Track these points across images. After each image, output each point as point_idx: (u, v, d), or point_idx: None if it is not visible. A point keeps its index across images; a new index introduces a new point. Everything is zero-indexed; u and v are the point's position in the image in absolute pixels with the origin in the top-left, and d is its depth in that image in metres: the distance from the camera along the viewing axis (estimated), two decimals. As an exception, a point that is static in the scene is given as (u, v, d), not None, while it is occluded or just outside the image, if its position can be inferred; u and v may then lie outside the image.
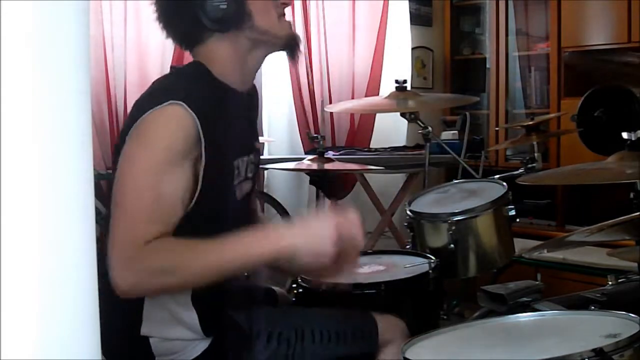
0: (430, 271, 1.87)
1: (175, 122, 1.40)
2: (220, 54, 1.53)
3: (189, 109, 1.40)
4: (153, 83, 1.57)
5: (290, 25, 1.62)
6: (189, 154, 1.42)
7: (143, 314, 1.47)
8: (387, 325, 1.66)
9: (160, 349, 1.48)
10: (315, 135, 2.98)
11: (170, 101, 1.40)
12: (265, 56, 1.61)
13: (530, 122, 2.79)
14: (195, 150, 1.42)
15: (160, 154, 1.40)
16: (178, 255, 1.38)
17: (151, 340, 1.48)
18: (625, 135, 1.85)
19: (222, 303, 1.50)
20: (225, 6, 1.47)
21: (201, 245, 1.39)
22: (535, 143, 2.71)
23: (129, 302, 1.48)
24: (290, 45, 1.61)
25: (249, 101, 1.65)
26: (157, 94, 1.46)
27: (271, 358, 1.54)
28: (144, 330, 1.48)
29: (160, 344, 1.48)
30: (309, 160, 2.75)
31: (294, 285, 1.88)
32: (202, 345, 1.49)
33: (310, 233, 1.44)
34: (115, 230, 1.36)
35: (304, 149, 3.84)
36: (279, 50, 1.61)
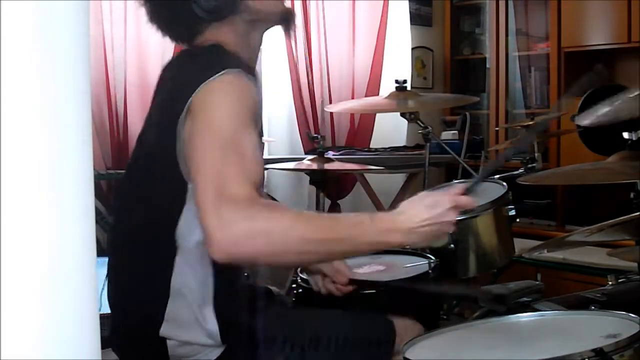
0: (430, 271, 1.87)
1: (241, 86, 1.37)
2: (221, 41, 1.51)
3: (248, 76, 1.38)
4: (188, 60, 1.51)
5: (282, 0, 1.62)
6: (257, 118, 1.39)
7: (165, 314, 1.46)
8: (408, 332, 1.62)
9: (176, 352, 1.48)
10: (315, 135, 2.98)
11: (227, 70, 1.37)
12: (263, 34, 1.59)
13: (530, 122, 2.79)
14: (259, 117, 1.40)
15: (236, 112, 1.34)
16: (279, 221, 1.28)
17: (169, 342, 1.47)
18: (625, 135, 1.85)
19: (242, 312, 1.49)
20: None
21: (308, 218, 1.33)
22: (535, 143, 2.71)
23: (153, 301, 1.47)
24: (286, 19, 1.59)
25: None
26: (207, 67, 1.40)
27: None
28: (163, 331, 1.46)
29: (177, 347, 1.47)
30: (309, 160, 2.75)
31: (294, 286, 1.88)
32: (217, 351, 1.49)
33: (423, 223, 1.34)
34: (206, 193, 1.26)
35: (304, 149, 3.84)
36: (275, 26, 1.60)
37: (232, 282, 1.54)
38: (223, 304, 1.47)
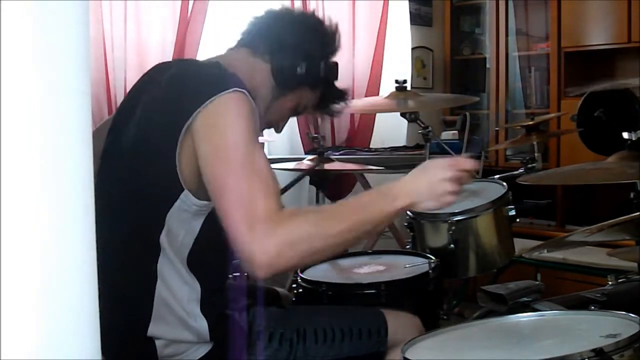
0: (430, 271, 1.87)
1: (249, 106, 1.41)
2: (241, 68, 1.55)
3: (251, 100, 1.42)
4: (195, 72, 1.54)
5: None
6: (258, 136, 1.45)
7: (152, 315, 1.47)
8: (400, 323, 1.64)
9: (164, 351, 1.48)
10: (315, 135, 2.98)
11: (236, 89, 1.40)
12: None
13: (530, 122, 2.79)
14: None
15: (248, 132, 1.39)
16: (312, 223, 1.35)
17: (157, 342, 1.48)
18: (625, 135, 1.85)
19: (231, 309, 1.49)
20: (294, 70, 1.59)
21: (331, 211, 1.42)
22: (535, 143, 2.71)
23: (138, 302, 1.48)
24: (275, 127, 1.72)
25: None
26: (218, 81, 1.43)
27: (271, 358, 1.53)
28: (151, 331, 1.47)
29: (165, 346, 1.48)
30: (309, 160, 2.75)
31: (294, 285, 1.88)
32: (205, 347, 1.49)
33: (425, 185, 1.43)
34: (237, 217, 1.31)
35: (304, 149, 3.83)
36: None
37: (218, 280, 1.55)
38: (210, 303, 1.48)
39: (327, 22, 1.71)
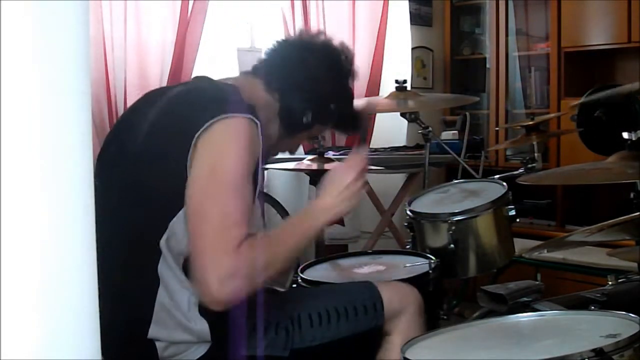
0: (430, 271, 1.87)
1: (253, 136, 1.46)
2: (254, 98, 1.59)
3: (260, 131, 1.47)
4: (212, 89, 1.59)
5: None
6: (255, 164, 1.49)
7: (152, 317, 1.47)
8: (396, 293, 1.65)
9: (165, 352, 1.48)
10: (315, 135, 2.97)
11: (250, 116, 1.46)
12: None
13: (530, 122, 2.79)
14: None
15: (246, 159, 1.44)
16: (263, 252, 1.43)
17: (157, 344, 1.48)
18: (625, 135, 1.85)
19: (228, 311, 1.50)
20: (300, 118, 1.65)
21: (275, 236, 1.53)
22: (535, 143, 2.71)
23: (139, 305, 1.48)
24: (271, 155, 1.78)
25: None
26: (231, 103, 1.48)
27: (269, 348, 1.53)
28: (152, 334, 1.47)
29: (165, 348, 1.48)
30: (309, 160, 2.75)
31: (294, 285, 1.88)
32: (205, 346, 1.49)
33: (336, 195, 1.58)
34: (208, 241, 1.38)
35: (304, 149, 3.83)
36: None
37: None
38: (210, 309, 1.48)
39: (344, 53, 1.73)
